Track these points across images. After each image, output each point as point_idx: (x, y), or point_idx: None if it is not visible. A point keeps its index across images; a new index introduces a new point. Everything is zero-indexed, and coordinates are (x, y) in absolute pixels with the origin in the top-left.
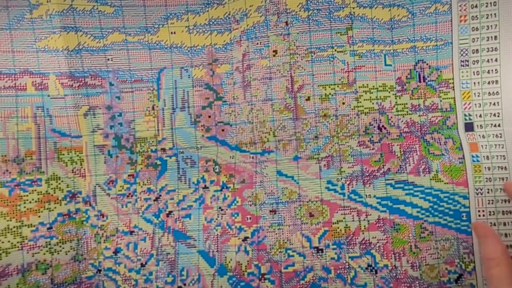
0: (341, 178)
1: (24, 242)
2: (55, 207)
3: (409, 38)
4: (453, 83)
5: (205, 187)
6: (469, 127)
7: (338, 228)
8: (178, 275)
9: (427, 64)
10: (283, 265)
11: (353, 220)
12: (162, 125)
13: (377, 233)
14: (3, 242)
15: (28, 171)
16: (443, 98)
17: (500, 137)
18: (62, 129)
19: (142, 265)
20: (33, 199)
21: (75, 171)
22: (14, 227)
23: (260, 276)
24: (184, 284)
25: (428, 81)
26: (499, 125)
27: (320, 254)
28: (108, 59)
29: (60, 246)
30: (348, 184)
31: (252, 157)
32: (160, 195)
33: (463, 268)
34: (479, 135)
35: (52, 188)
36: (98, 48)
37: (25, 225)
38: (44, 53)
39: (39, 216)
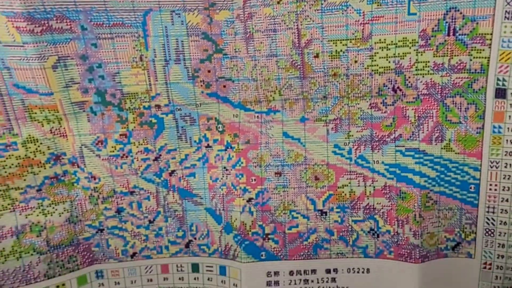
0: (349, 143)
1: (15, 204)
2: (39, 171)
3: None
4: (491, 39)
5: (208, 146)
6: (500, 93)
7: (343, 192)
8: (188, 230)
9: (461, 13)
10: (287, 226)
11: (358, 186)
12: (154, 79)
13: (382, 200)
14: None
15: None
16: (474, 57)
17: None
18: (26, 84)
19: (150, 222)
20: (12, 164)
21: (54, 131)
22: (0, 190)
23: (264, 236)
24: (195, 238)
25: (459, 35)
26: None
27: (324, 216)
28: None
29: (53, 208)
30: (356, 149)
31: (257, 116)
32: (160, 155)
33: (462, 237)
34: (511, 103)
35: (31, 152)
36: None
37: (12, 188)
38: None
39: (25, 180)
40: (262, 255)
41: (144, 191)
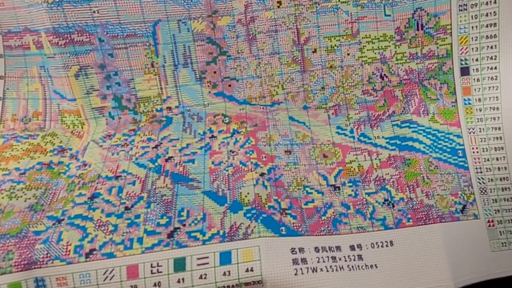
0: (350, 124)
1: None
2: (38, 157)
3: None
4: (451, 28)
5: (212, 137)
6: (465, 71)
7: (352, 167)
8: (176, 216)
9: (425, 11)
10: (303, 201)
11: (365, 160)
12: (165, 83)
13: (389, 170)
14: None
15: (31, 129)
16: (440, 45)
17: (496, 79)
18: (60, 90)
19: (127, 208)
20: (21, 148)
21: (74, 133)
22: None
23: (281, 211)
24: (184, 225)
25: (426, 28)
26: (495, 68)
27: (338, 191)
28: (94, 12)
29: (23, 192)
30: (357, 128)
31: (263, 108)
32: (161, 143)
33: (465, 199)
34: (474, 78)
35: (45, 142)
36: None
37: (0, 169)
38: (31, 7)
39: (19, 162)
40: (282, 230)
41: (132, 175)
